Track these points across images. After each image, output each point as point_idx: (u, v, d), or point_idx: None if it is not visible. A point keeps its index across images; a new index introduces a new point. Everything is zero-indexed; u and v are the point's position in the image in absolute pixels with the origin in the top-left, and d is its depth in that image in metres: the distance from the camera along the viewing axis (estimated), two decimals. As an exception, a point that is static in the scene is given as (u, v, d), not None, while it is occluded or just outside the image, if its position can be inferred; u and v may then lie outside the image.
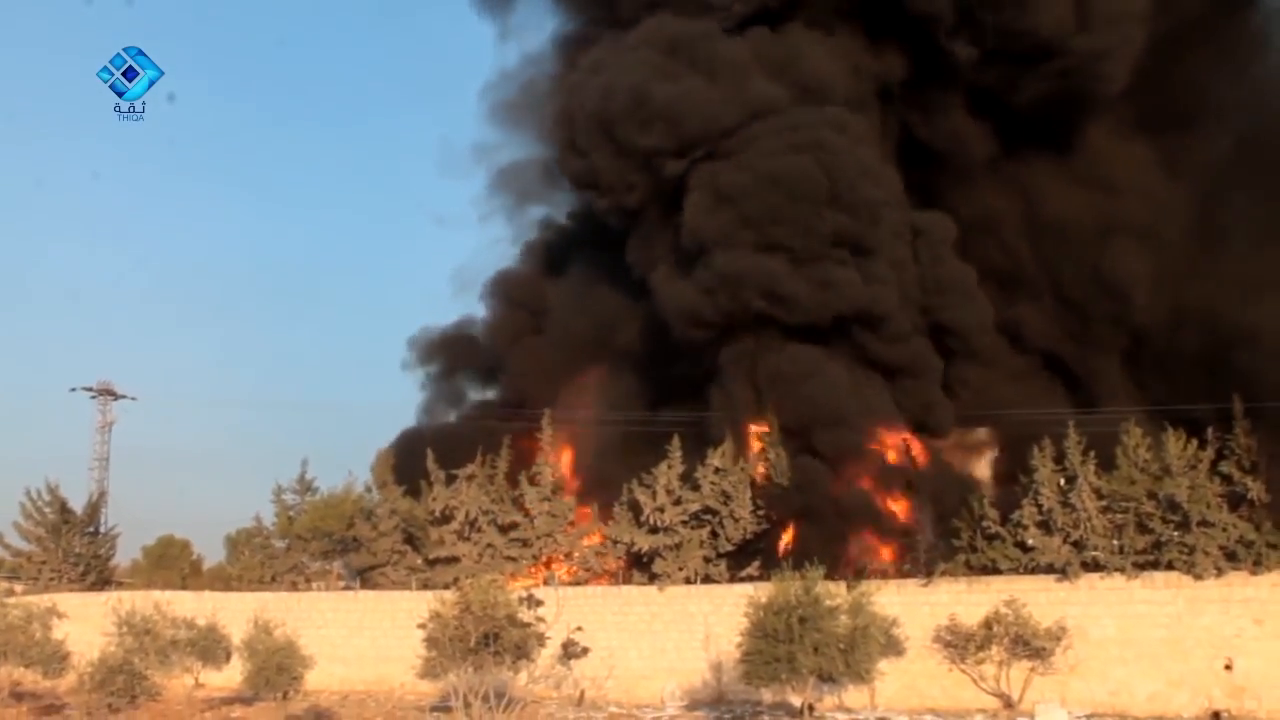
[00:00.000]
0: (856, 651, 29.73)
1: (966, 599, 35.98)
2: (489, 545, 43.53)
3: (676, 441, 41.67)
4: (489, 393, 60.03)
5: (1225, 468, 34.96)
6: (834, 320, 45.41)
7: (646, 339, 50.72)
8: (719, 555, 40.63)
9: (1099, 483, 35.83)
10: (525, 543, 43.28)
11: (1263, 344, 40.54)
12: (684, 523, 40.82)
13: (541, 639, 26.88)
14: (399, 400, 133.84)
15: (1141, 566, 34.81)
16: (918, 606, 36.13)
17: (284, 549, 48.08)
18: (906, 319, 46.46)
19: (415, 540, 44.96)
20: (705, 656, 38.12)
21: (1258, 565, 33.71)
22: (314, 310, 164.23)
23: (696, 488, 40.91)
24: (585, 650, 28.64)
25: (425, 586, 42.51)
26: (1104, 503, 35.60)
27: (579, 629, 28.17)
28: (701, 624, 38.79)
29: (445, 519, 44.23)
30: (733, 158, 46.57)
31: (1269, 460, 34.90)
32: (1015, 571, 36.21)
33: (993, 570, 36.57)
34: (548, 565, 43.39)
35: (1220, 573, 33.99)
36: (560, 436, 45.58)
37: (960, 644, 35.33)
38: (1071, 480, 36.19)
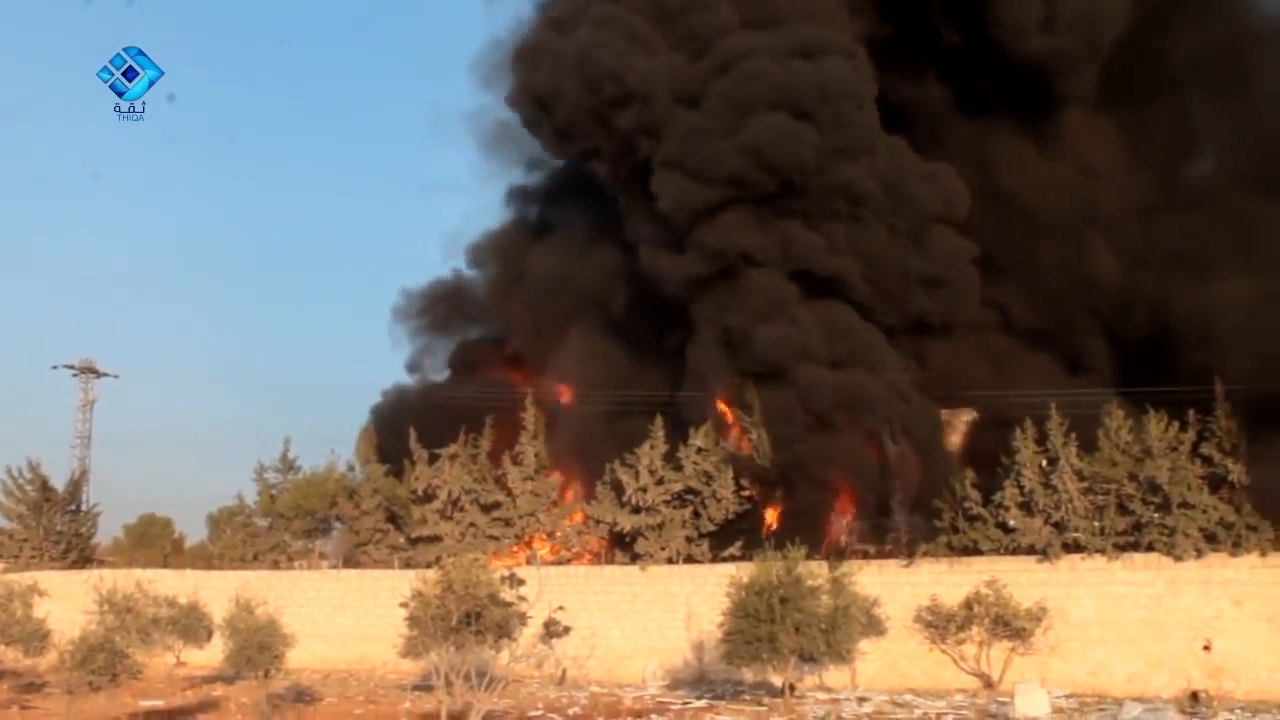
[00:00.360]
0: (838, 631, 30.00)
1: (947, 579, 36.35)
2: (471, 524, 43.78)
3: (659, 421, 41.93)
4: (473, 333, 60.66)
5: (1206, 450, 35.26)
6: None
7: (632, 299, 50.96)
8: (701, 535, 40.92)
9: (1080, 464, 36.12)
10: (508, 522, 43.54)
11: (1238, 326, 40.88)
12: (666, 502, 41.06)
13: (523, 618, 26.87)
14: (384, 377, 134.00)
15: (1122, 548, 35.18)
16: (899, 587, 36.50)
17: (266, 528, 48.27)
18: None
19: (398, 519, 45.12)
20: (687, 636, 38.49)
21: (1237, 547, 34.10)
22: (299, 288, 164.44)
23: (679, 468, 41.13)
24: (567, 629, 28.66)
25: (407, 565, 42.77)
26: (1085, 484, 35.93)
27: (561, 608, 28.21)
28: (683, 604, 39.16)
29: (428, 498, 44.43)
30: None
31: (1249, 442, 35.35)
32: (996, 552, 36.56)
33: (974, 551, 36.94)
34: (530, 544, 43.65)
35: (1200, 554, 34.40)
36: (542, 410, 45.59)
37: (941, 624, 35.69)
38: (1053, 462, 36.46)
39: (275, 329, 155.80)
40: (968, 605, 35.17)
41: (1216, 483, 34.98)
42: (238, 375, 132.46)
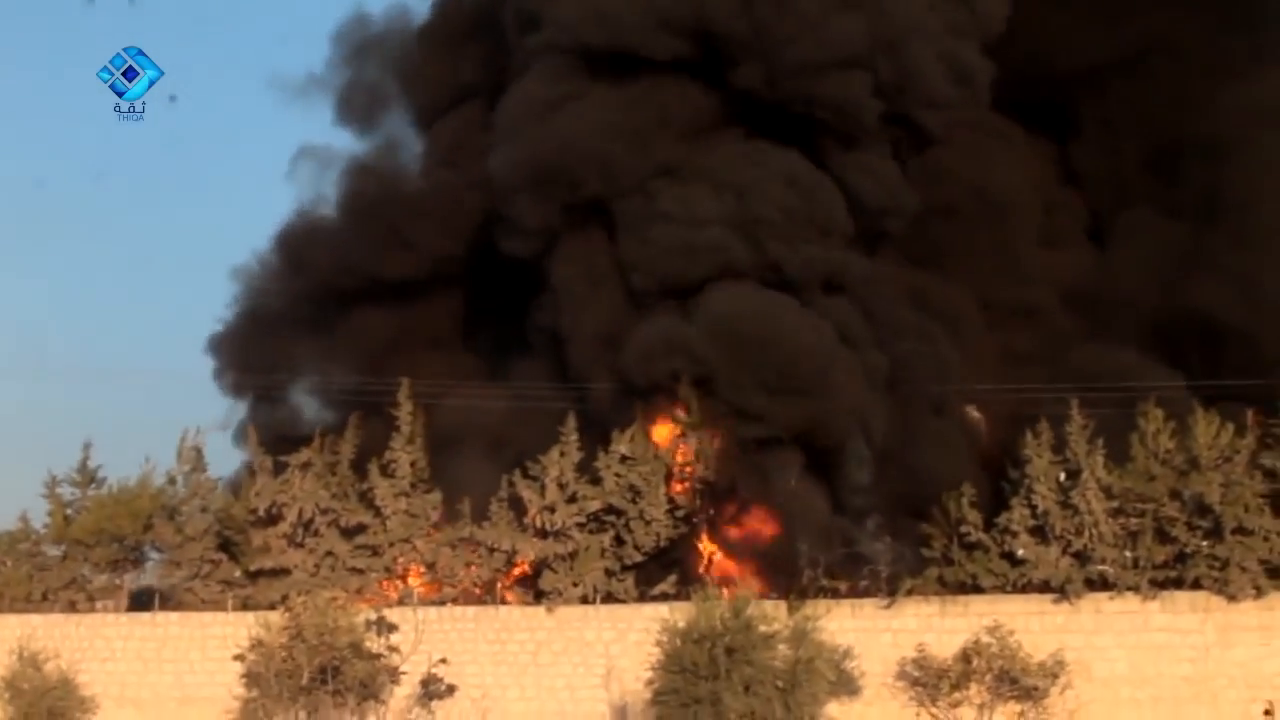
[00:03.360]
0: (798, 691, 29.69)
1: (939, 625, 36.28)
2: (328, 553, 42.88)
3: (572, 422, 41.41)
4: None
5: (1268, 460, 35.39)
6: None
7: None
8: (625, 567, 40.44)
9: (1109, 478, 36.12)
10: (375, 550, 42.71)
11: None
12: (580, 525, 40.55)
13: (395, 674, 26.47)
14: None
15: (1161, 585, 35.24)
16: (877, 634, 36.43)
17: (59, 558, 47.06)
18: None
19: (233, 546, 44.26)
20: (606, 697, 38.13)
21: (1308, 584, 34.28)
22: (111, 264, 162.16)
23: (597, 480, 40.69)
24: (451, 689, 28.29)
25: (245, 607, 41.84)
26: (1115, 504, 35.94)
27: (443, 661, 27.72)
28: (602, 655, 38.72)
29: (272, 519, 43.47)
30: None
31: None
32: (1001, 590, 36.55)
33: (973, 589, 36.87)
34: (404, 579, 42.90)
35: (1260, 593, 34.54)
36: (422, 407, 44.91)
37: (931, 681, 35.45)
38: (1074, 475, 36.46)
39: (74, 299, 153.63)
40: (965, 658, 34.88)
41: (1280, 502, 35.44)
42: (21, 358, 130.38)
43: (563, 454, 40.87)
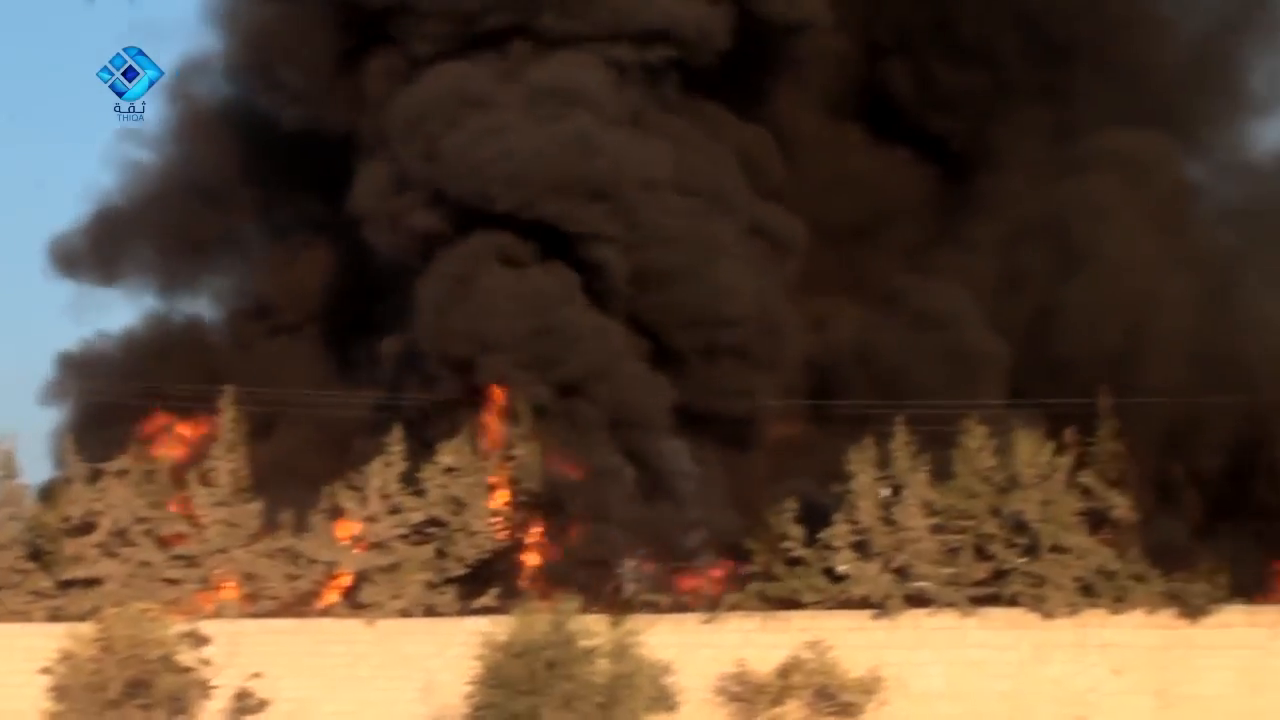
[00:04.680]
0: (618, 707, 31.08)
1: (759, 640, 37.29)
2: (143, 564, 42.71)
3: (398, 432, 42.18)
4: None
5: (1085, 479, 37.37)
6: None
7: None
8: (447, 580, 41.07)
9: (931, 495, 37.79)
10: (192, 561, 42.85)
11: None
12: (403, 537, 41.30)
13: (206, 688, 27.26)
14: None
15: (979, 601, 36.86)
16: (697, 649, 37.29)
17: None
18: None
19: (44, 555, 44.57)
20: (425, 711, 38.47)
21: (1119, 602, 36.14)
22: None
23: (421, 492, 41.62)
24: (264, 704, 29.06)
25: (55, 618, 41.48)
26: (936, 520, 37.58)
27: (257, 675, 28.60)
28: (421, 669, 39.10)
29: (86, 528, 43.40)
30: None
31: (1139, 470, 37.75)
32: (822, 606, 37.75)
33: (794, 604, 38.00)
34: (220, 591, 43.05)
35: (1075, 610, 36.31)
36: (247, 413, 45.59)
37: (750, 697, 36.51)
38: (898, 490, 38.01)
39: None
40: (783, 673, 36.06)
41: (1098, 521, 37.14)
42: None
43: (387, 464, 41.53)
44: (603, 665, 31.47)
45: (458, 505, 41.59)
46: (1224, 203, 58.78)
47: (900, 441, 38.45)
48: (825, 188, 53.79)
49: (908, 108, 56.54)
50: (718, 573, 42.34)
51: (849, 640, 36.69)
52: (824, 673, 35.98)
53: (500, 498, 42.45)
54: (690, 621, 38.62)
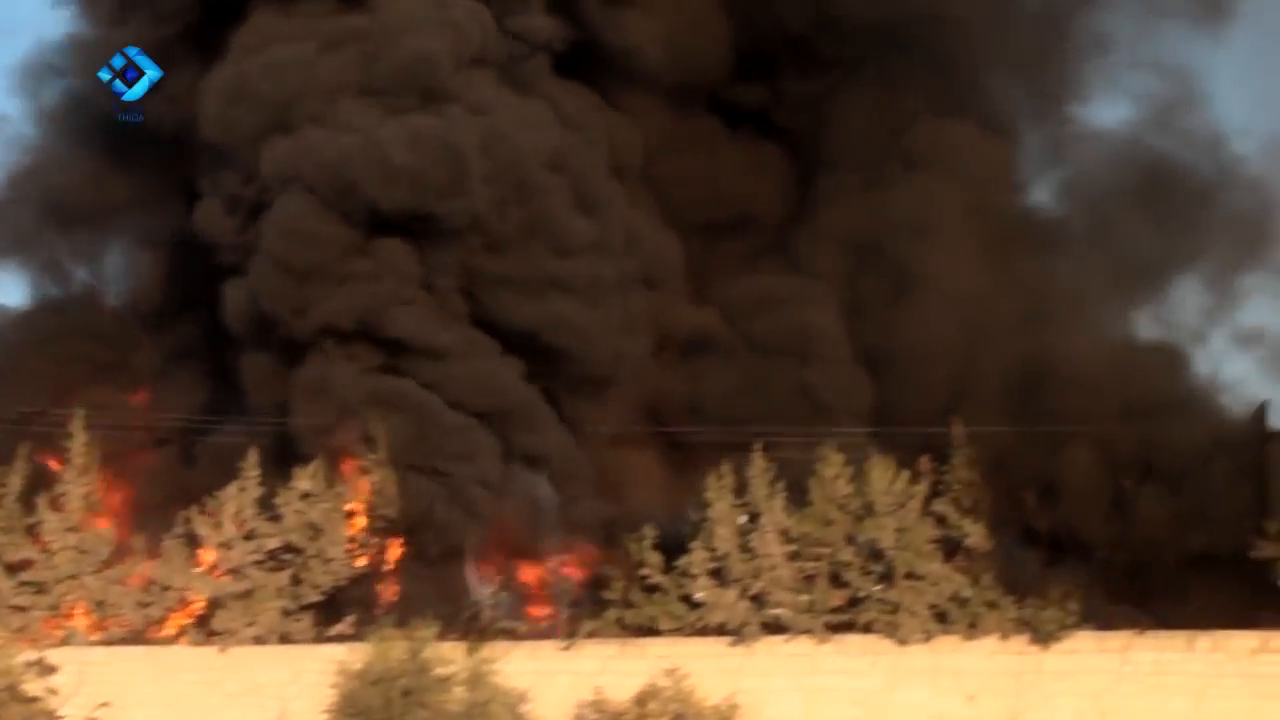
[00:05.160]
0: None
1: (617, 667, 37.37)
2: None
3: (254, 456, 41.97)
4: None
5: (940, 506, 37.91)
6: None
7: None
8: (302, 607, 40.95)
9: (788, 522, 38.07)
10: (41, 588, 42.26)
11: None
12: (258, 564, 41.11)
13: (53, 718, 26.91)
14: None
15: (835, 628, 37.15)
16: (555, 676, 37.33)
17: None
18: None
19: None
20: None
21: (973, 629, 36.67)
22: None
23: (277, 518, 41.41)
24: None
25: None
26: (793, 548, 37.85)
27: (105, 704, 28.28)
28: (275, 698, 38.86)
29: None
30: None
31: (993, 498, 38.28)
32: (680, 633, 37.99)
33: (652, 631, 38.23)
34: (70, 618, 42.38)
35: (929, 637, 36.76)
36: (100, 437, 45.12)
37: None
38: (755, 518, 38.27)
39: None
40: (640, 700, 35.97)
41: (951, 548, 37.65)
42: None
43: (242, 489, 41.32)
44: (459, 693, 31.52)
45: (314, 531, 41.50)
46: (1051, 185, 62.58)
47: (758, 469, 38.65)
48: (681, 182, 54.17)
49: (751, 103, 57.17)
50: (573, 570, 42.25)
51: (706, 668, 36.79)
52: (681, 700, 35.98)
53: (358, 524, 42.26)
54: (547, 648, 38.70)
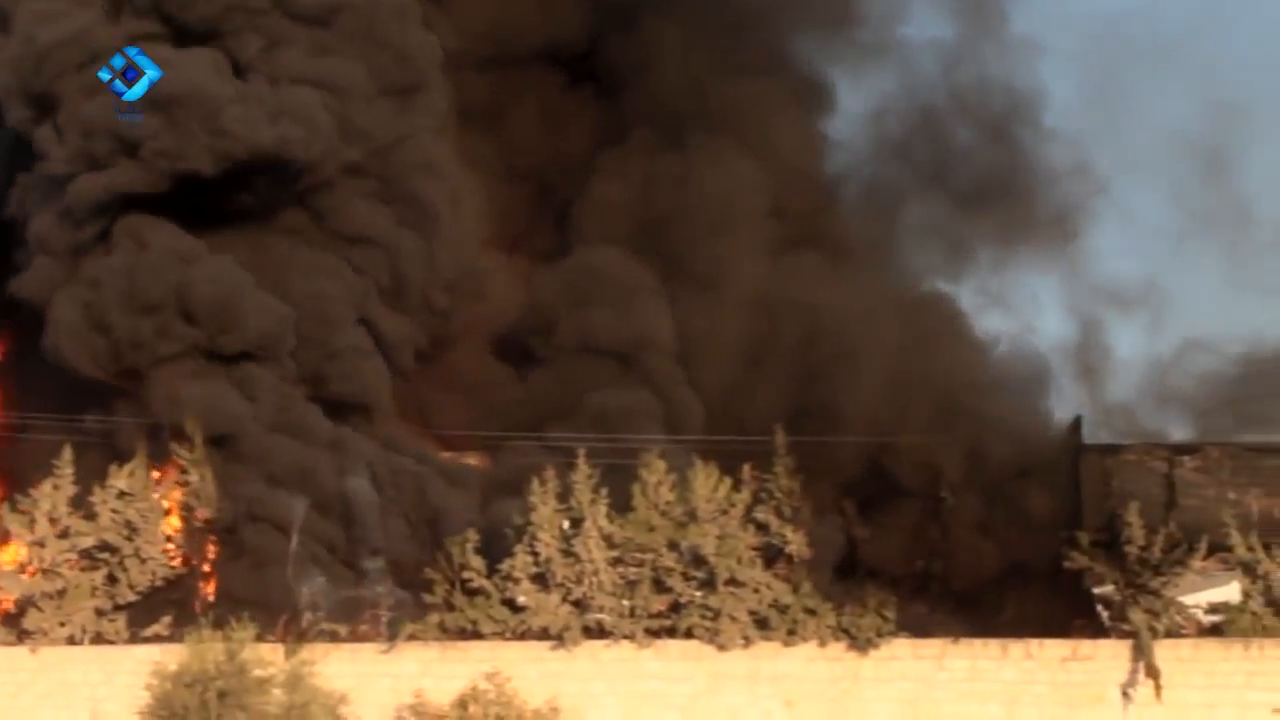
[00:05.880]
0: None
1: (439, 670, 37.51)
2: None
3: (68, 454, 41.45)
4: None
5: (761, 514, 38.30)
6: None
7: None
8: (118, 607, 40.46)
9: (611, 528, 38.28)
10: None
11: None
12: (72, 562, 40.63)
13: None
14: None
15: (656, 633, 37.55)
16: (376, 678, 37.46)
17: None
18: None
19: None
20: None
21: (792, 635, 37.08)
22: None
23: (92, 516, 40.85)
24: None
25: None
26: (615, 553, 38.11)
27: None
28: (87, 698, 38.64)
29: None
30: None
31: (814, 506, 38.77)
32: (502, 636, 38.13)
33: (474, 634, 38.29)
34: None
35: (748, 643, 37.14)
36: None
37: None
38: (578, 523, 38.50)
39: None
40: (462, 704, 36.23)
41: (773, 556, 38.09)
42: None
43: (56, 487, 40.77)
44: (277, 695, 31.32)
45: (131, 530, 40.95)
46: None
47: (581, 474, 38.83)
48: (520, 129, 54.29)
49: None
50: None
51: (527, 671, 37.12)
52: (502, 704, 36.22)
53: (175, 523, 41.72)
54: (368, 651, 38.67)
